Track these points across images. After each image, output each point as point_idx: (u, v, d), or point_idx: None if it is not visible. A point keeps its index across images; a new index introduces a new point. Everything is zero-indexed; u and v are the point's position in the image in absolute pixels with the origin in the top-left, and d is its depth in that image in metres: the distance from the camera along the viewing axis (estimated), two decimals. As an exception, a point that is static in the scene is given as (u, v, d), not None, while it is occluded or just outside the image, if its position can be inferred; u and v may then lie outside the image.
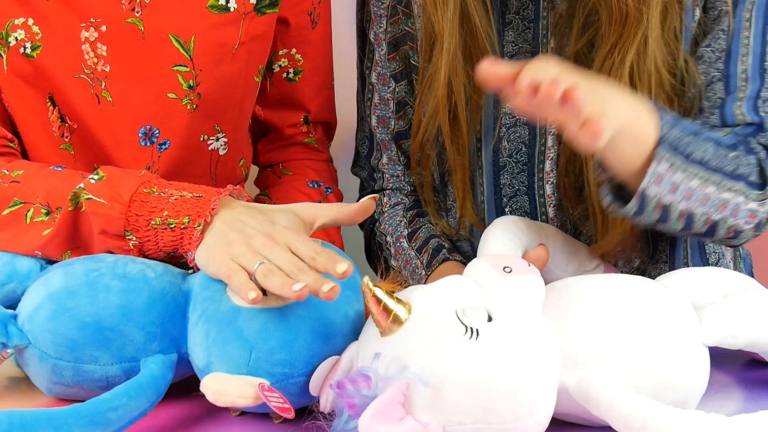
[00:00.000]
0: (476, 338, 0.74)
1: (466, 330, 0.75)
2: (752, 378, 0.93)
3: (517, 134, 1.13)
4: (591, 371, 0.77)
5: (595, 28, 1.05)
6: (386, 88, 1.20)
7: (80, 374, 0.86)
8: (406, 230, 1.19)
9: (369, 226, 1.24)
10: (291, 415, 0.81)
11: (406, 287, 0.82)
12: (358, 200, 0.96)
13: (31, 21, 1.07)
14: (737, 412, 0.75)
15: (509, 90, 0.84)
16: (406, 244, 1.17)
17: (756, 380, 0.93)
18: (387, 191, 1.23)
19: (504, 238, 0.94)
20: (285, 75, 1.23)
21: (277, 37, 1.20)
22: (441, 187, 1.19)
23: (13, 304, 0.90)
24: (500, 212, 1.15)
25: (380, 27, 1.18)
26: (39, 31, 1.08)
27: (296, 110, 1.26)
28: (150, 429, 0.85)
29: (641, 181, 0.92)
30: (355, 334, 0.84)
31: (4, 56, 1.08)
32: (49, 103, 1.10)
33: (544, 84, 0.80)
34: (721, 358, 0.91)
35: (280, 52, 1.22)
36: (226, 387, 0.81)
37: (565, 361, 0.78)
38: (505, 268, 0.81)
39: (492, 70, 0.85)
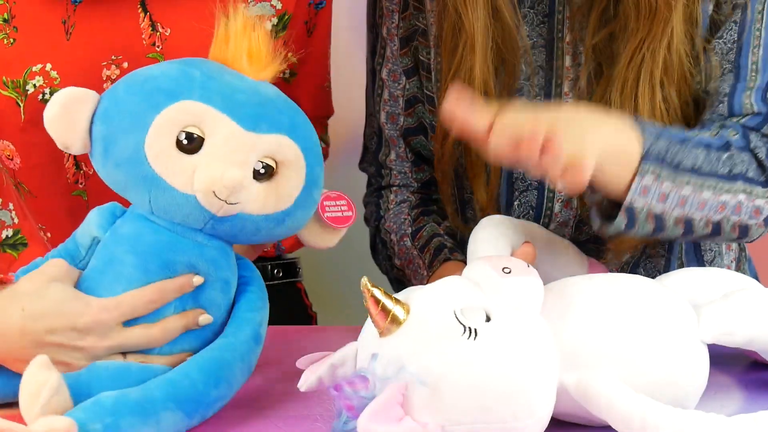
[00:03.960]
0: (474, 338, 0.74)
1: (465, 330, 0.75)
2: (753, 380, 0.93)
3: None
4: (590, 371, 0.78)
5: (616, 21, 1.04)
6: (396, 84, 1.19)
7: None
8: (410, 228, 1.18)
9: (374, 223, 1.24)
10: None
11: None
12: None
13: (49, 66, 1.07)
14: (737, 413, 0.75)
15: (480, 138, 0.85)
16: (409, 243, 1.17)
17: (756, 382, 0.93)
18: (394, 188, 1.23)
19: (492, 237, 0.93)
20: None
21: None
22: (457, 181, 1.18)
23: None
24: (510, 206, 1.15)
25: (392, 22, 1.18)
26: (57, 76, 1.07)
27: None
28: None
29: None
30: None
31: (22, 105, 1.07)
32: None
33: (525, 142, 0.82)
34: (722, 360, 0.91)
35: None
36: None
37: (564, 361, 0.78)
38: (504, 268, 0.81)
39: (459, 111, 0.85)
